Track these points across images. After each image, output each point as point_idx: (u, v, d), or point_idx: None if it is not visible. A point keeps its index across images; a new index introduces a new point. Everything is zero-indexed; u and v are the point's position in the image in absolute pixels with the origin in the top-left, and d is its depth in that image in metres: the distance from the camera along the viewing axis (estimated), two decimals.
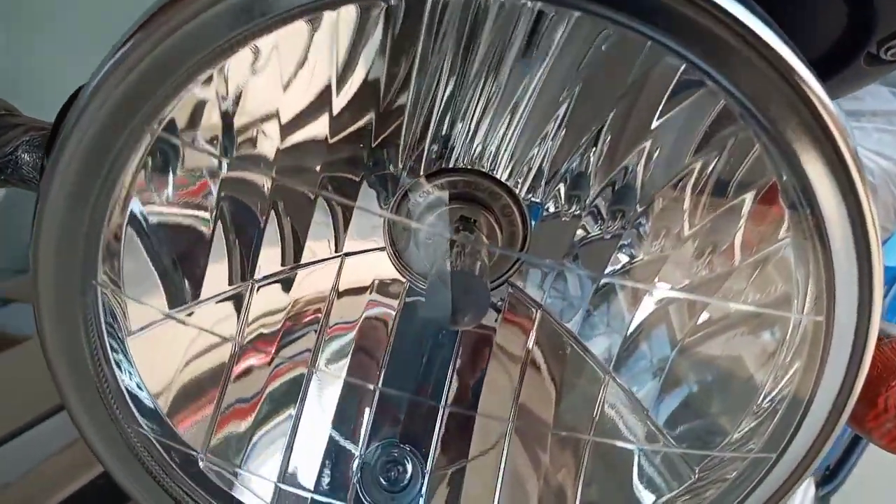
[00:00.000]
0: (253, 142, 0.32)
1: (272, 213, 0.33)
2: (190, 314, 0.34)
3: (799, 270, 0.28)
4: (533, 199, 0.32)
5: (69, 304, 0.32)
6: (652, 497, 0.30)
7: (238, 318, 0.33)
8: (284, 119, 0.33)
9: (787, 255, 0.29)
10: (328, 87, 0.31)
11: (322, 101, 0.32)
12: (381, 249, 0.31)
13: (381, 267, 0.30)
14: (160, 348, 0.34)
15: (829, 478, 1.16)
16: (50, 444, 1.70)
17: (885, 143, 1.03)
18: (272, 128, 0.32)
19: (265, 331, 0.33)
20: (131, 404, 0.33)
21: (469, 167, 0.30)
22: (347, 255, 0.32)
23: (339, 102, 0.32)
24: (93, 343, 0.31)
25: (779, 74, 0.24)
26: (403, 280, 0.30)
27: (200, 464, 0.32)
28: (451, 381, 0.29)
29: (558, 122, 0.32)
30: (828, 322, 0.28)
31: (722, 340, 0.30)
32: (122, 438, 0.32)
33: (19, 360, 1.71)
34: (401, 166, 0.31)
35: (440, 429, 0.29)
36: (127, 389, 0.33)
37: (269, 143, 0.32)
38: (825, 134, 0.25)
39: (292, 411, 0.30)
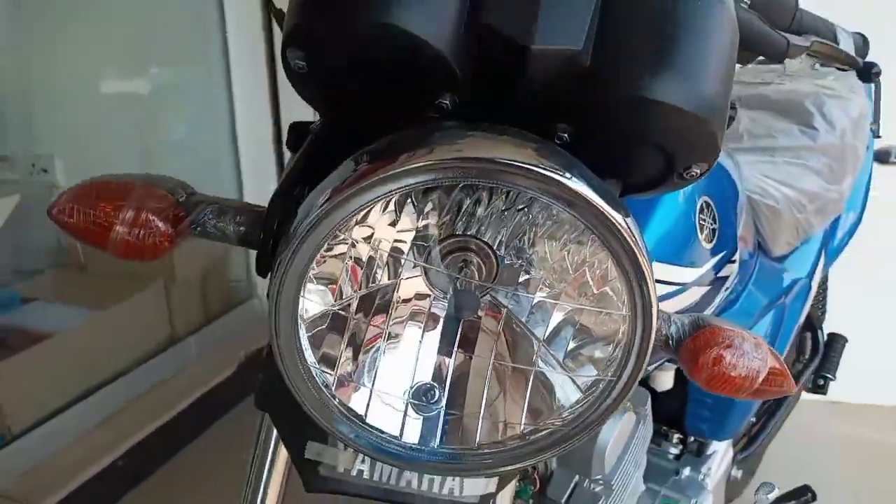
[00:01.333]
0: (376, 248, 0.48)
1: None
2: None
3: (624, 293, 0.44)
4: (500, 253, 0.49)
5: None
6: (568, 400, 0.46)
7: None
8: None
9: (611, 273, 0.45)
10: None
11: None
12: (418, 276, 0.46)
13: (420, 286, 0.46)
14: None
15: (747, 445, 1.37)
16: (74, 430, 1.87)
17: (793, 174, 1.22)
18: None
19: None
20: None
21: (472, 236, 0.46)
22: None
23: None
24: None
25: (599, 214, 0.39)
26: (431, 293, 0.46)
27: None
28: (457, 342, 0.44)
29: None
30: (633, 316, 0.44)
31: (589, 316, 0.46)
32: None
33: (43, 354, 1.85)
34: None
35: (453, 366, 0.44)
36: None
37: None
38: (623, 244, 0.41)
39: (380, 358, 0.45)
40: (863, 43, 0.78)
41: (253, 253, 0.50)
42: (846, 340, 1.50)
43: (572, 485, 0.91)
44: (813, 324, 1.46)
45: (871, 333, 2.08)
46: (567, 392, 0.45)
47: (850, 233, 1.46)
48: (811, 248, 1.24)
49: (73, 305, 2.10)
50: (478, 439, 0.46)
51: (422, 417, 0.46)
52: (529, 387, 0.46)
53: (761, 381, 0.49)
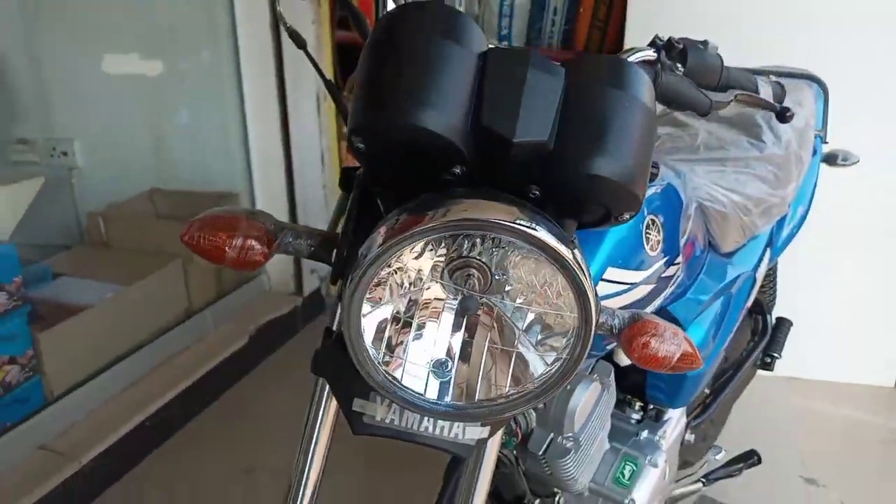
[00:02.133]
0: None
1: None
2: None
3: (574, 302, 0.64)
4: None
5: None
6: (538, 371, 0.67)
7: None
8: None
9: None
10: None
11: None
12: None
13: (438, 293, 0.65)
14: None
15: (700, 413, 1.59)
16: (106, 393, 2.07)
17: (740, 181, 1.41)
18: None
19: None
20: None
21: (473, 257, 0.65)
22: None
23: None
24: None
25: (554, 253, 0.59)
26: (444, 297, 0.65)
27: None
28: (463, 331, 0.64)
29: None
30: (579, 317, 0.65)
31: (550, 317, 0.65)
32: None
33: (77, 325, 2.04)
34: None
35: (460, 346, 0.64)
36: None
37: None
38: (571, 271, 0.59)
39: (411, 341, 0.65)
40: (781, 90, 0.97)
41: None
42: (791, 324, 1.71)
43: (548, 440, 1.12)
44: (763, 309, 1.68)
45: (823, 316, 2.31)
46: (537, 366, 0.65)
47: (798, 227, 1.67)
48: (757, 245, 1.44)
49: (99, 280, 2.27)
50: (477, 396, 0.66)
51: (439, 381, 0.66)
52: (512, 362, 0.66)
53: (677, 360, 0.70)
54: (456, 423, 0.72)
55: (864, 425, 2.24)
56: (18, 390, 1.86)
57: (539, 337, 0.66)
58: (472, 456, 0.78)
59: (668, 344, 0.69)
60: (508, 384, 0.66)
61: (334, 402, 0.79)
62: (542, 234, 0.60)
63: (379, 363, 0.64)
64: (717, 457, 1.46)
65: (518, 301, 0.65)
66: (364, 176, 0.74)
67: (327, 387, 0.78)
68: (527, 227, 0.59)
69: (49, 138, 2.61)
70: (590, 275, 0.62)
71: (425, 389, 0.66)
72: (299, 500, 0.79)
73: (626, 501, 1.19)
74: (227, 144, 2.76)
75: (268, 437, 2.19)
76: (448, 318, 0.66)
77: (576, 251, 0.62)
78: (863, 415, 2.29)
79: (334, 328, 0.77)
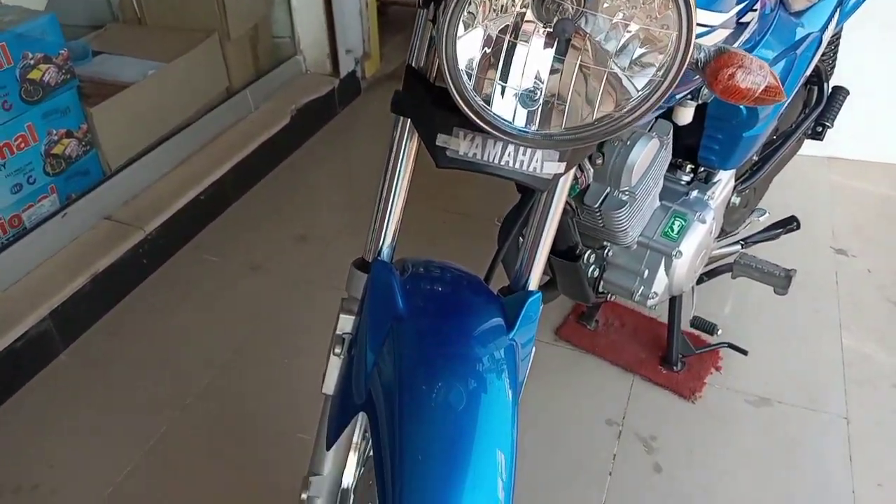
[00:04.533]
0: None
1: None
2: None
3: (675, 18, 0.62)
4: None
5: None
6: (627, 96, 0.66)
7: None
8: None
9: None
10: None
11: None
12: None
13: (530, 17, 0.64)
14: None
15: (747, 177, 1.61)
16: (159, 169, 2.14)
17: None
18: None
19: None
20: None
21: None
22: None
23: None
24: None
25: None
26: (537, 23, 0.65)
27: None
28: (554, 56, 0.67)
29: None
30: (678, 34, 0.63)
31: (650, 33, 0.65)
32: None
33: (124, 102, 2.06)
34: None
35: (548, 73, 0.66)
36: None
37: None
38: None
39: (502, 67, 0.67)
40: None
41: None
42: (847, 93, 1.68)
43: (604, 194, 1.16)
44: (821, 76, 1.64)
45: (875, 91, 2.25)
46: (627, 90, 0.66)
47: None
48: (827, 6, 1.38)
49: (138, 57, 2.26)
50: (564, 124, 0.68)
51: (527, 110, 0.68)
52: (603, 84, 0.67)
53: (761, 92, 0.71)
54: (535, 158, 0.74)
55: None
56: (79, 163, 1.93)
57: (634, 56, 0.66)
58: (547, 192, 0.82)
59: (755, 75, 0.69)
60: (596, 111, 0.67)
61: (414, 141, 0.82)
62: None
63: (473, 90, 0.66)
64: (761, 218, 1.51)
65: (618, 17, 0.65)
66: None
67: (408, 125, 0.81)
68: None
69: None
70: None
71: (514, 117, 0.68)
72: (384, 231, 0.85)
73: (674, 253, 1.26)
74: None
75: (316, 209, 2.29)
76: (538, 43, 0.67)
77: None
78: None
79: (415, 66, 0.78)
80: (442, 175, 0.89)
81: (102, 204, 1.98)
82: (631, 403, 1.59)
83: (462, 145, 0.75)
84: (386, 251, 0.86)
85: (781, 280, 1.41)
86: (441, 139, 0.75)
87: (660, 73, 0.64)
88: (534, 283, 0.85)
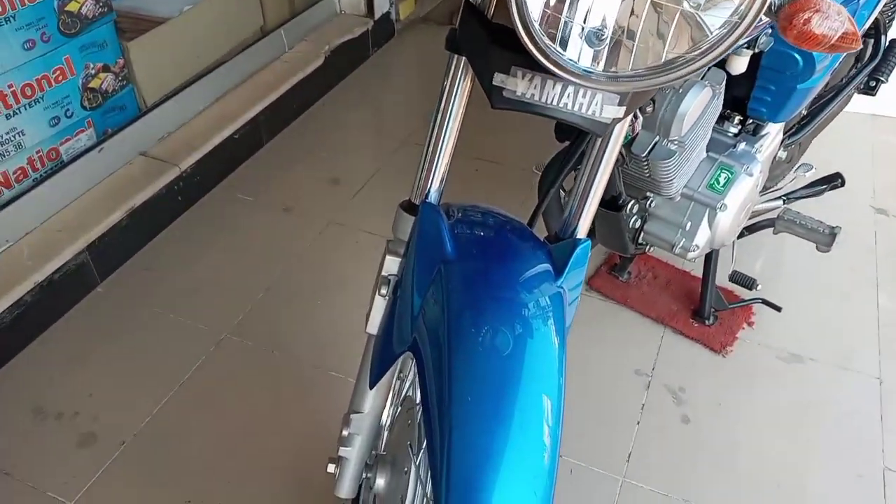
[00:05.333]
0: None
1: None
2: None
3: None
4: None
5: None
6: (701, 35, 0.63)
7: None
8: None
9: None
10: None
11: None
12: None
13: None
14: None
15: (795, 132, 1.57)
16: (194, 106, 2.13)
17: None
18: None
19: None
20: None
21: None
22: None
23: None
24: None
25: None
26: None
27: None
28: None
29: None
30: None
31: None
32: None
33: (159, 38, 2.04)
34: None
35: (618, 11, 0.63)
36: None
37: None
38: None
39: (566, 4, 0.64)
40: None
41: None
42: None
43: (652, 143, 1.14)
44: (878, 29, 1.58)
45: None
46: (702, 29, 0.64)
47: None
48: None
49: None
50: (630, 65, 0.66)
51: (593, 50, 0.66)
52: (674, 22, 0.64)
53: (837, 38, 0.68)
54: (595, 101, 0.72)
55: None
56: (115, 98, 1.92)
57: None
58: (602, 138, 0.80)
59: (832, 20, 0.66)
60: (666, 51, 0.65)
61: (468, 80, 0.80)
62: None
63: (540, 27, 0.64)
64: (807, 174, 1.48)
65: None
66: None
67: (462, 64, 0.79)
68: None
69: None
70: None
71: (579, 56, 0.66)
72: (433, 173, 0.84)
73: (718, 206, 1.24)
74: None
75: (348, 152, 2.28)
76: None
77: None
78: None
79: (473, 1, 0.75)
80: (473, 122, 0.87)
81: (138, 140, 1.98)
82: (661, 355, 1.59)
83: (520, 85, 0.73)
84: (434, 194, 0.86)
85: (825, 237, 1.38)
86: (498, 78, 0.73)
87: (736, 15, 0.62)
88: (582, 230, 0.84)
